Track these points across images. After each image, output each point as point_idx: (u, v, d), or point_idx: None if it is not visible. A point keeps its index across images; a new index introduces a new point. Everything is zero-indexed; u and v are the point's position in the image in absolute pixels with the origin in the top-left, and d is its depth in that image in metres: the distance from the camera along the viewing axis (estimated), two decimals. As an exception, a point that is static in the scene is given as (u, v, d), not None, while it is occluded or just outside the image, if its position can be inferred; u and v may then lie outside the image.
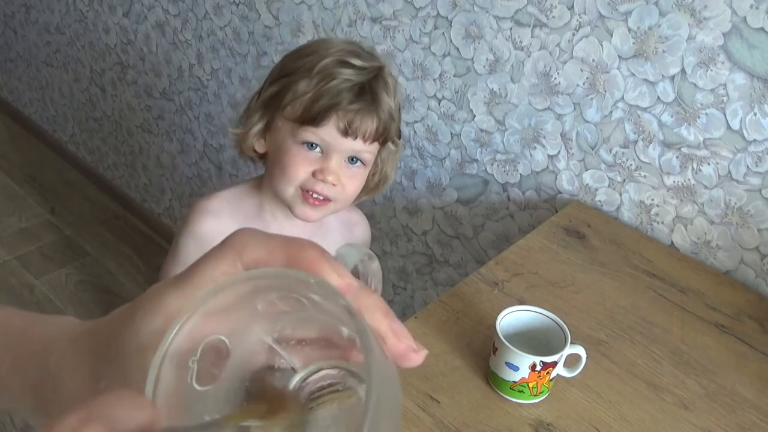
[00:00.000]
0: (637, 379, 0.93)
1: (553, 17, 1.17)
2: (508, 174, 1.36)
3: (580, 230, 1.18)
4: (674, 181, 1.16)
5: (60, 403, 0.32)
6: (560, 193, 1.31)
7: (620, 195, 1.23)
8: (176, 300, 0.29)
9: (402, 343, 0.28)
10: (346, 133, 0.94)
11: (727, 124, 1.06)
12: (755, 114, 1.03)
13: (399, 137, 1.04)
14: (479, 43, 1.28)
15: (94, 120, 2.50)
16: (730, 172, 1.09)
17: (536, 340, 0.90)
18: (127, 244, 2.42)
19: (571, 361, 0.90)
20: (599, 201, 1.26)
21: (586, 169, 1.25)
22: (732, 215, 1.12)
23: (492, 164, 1.38)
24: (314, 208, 0.99)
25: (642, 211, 1.22)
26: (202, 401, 0.28)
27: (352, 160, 0.98)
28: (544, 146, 1.29)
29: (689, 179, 1.14)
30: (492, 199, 1.40)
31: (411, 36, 1.38)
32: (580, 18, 1.14)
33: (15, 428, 1.84)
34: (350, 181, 0.99)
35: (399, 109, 1.01)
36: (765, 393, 0.93)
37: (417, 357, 0.28)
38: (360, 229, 1.17)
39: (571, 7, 1.14)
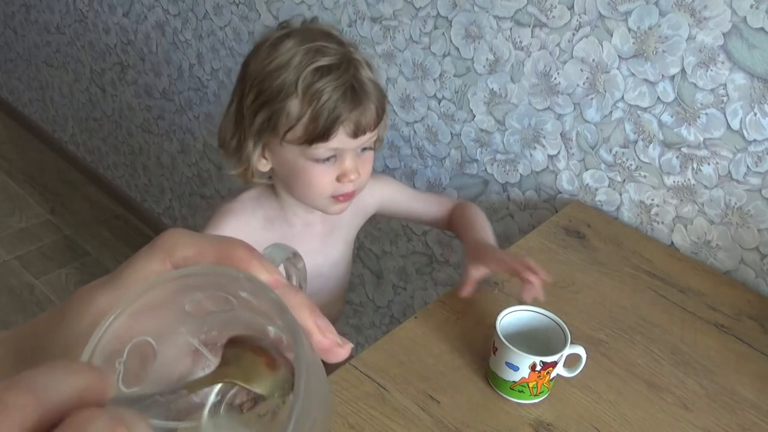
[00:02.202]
0: (637, 379, 0.93)
1: (553, 17, 1.17)
2: (508, 174, 1.36)
3: (580, 230, 1.18)
4: (674, 181, 1.16)
5: None
6: (560, 193, 1.31)
7: (620, 195, 1.23)
8: (105, 300, 0.29)
9: (327, 339, 0.28)
10: (355, 135, 0.96)
11: (727, 124, 1.06)
12: (755, 114, 1.03)
13: (385, 97, 1.04)
14: (479, 43, 1.28)
15: (94, 120, 2.50)
16: (730, 172, 1.09)
17: (536, 340, 0.90)
18: (127, 244, 2.42)
19: (571, 361, 0.90)
20: (599, 201, 1.26)
21: (586, 169, 1.25)
22: (732, 215, 1.12)
23: (492, 164, 1.38)
24: (344, 203, 1.03)
25: (642, 211, 1.22)
26: (128, 404, 0.28)
27: (362, 149, 1.01)
28: (544, 146, 1.29)
29: (689, 179, 1.14)
30: (492, 199, 1.40)
31: (411, 36, 1.38)
32: (580, 18, 1.14)
33: None
34: (365, 166, 1.02)
35: (376, 73, 1.03)
36: (765, 393, 0.93)
37: (342, 351, 0.29)
38: (364, 194, 1.12)
39: (571, 7, 1.14)
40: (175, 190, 2.30)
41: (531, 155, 1.31)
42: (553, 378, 0.88)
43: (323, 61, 0.94)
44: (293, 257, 0.33)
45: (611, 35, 1.12)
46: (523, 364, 0.85)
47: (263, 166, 1.03)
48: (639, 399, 0.90)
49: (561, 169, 1.28)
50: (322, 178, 0.99)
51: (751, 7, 0.97)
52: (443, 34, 1.33)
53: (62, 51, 2.45)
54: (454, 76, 1.35)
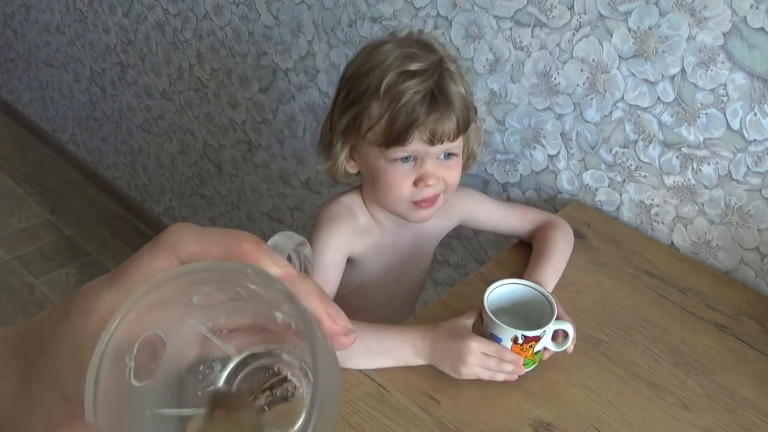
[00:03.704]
0: (637, 379, 0.93)
1: (553, 17, 1.17)
2: (508, 174, 1.36)
3: (580, 230, 1.18)
4: (674, 181, 1.16)
5: None
6: (560, 193, 1.31)
7: (620, 195, 1.23)
8: (111, 298, 0.28)
9: (338, 325, 0.29)
10: (431, 142, 0.96)
11: (727, 124, 1.06)
12: (755, 114, 1.03)
13: (475, 112, 1.04)
14: (479, 43, 1.29)
15: (94, 120, 2.50)
16: (730, 172, 1.09)
17: (527, 314, 0.91)
18: (127, 244, 2.42)
19: (560, 337, 0.91)
20: (599, 201, 1.26)
21: (586, 169, 1.25)
22: (732, 215, 1.12)
23: (492, 164, 1.38)
24: (427, 209, 1.02)
25: (642, 211, 1.22)
26: (140, 397, 0.29)
27: (446, 155, 1.00)
28: (544, 146, 1.29)
29: (689, 179, 1.14)
30: (493, 198, 1.40)
31: (411, 36, 1.38)
32: (580, 18, 1.14)
33: None
34: (450, 173, 1.01)
35: (468, 89, 1.01)
36: (765, 393, 0.93)
37: (347, 340, 0.29)
38: (453, 200, 1.10)
39: (571, 7, 1.14)
40: (175, 190, 2.30)
41: (531, 155, 1.31)
42: (538, 351, 0.89)
43: (411, 67, 0.94)
44: (300, 246, 0.33)
45: (611, 35, 1.12)
46: (506, 337, 0.87)
47: (352, 167, 1.03)
48: (639, 399, 0.90)
49: (561, 169, 1.28)
50: (401, 182, 0.98)
51: (751, 7, 0.97)
52: (443, 34, 1.33)
53: (62, 51, 2.45)
54: (454, 76, 1.35)
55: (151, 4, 1.95)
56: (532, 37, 1.21)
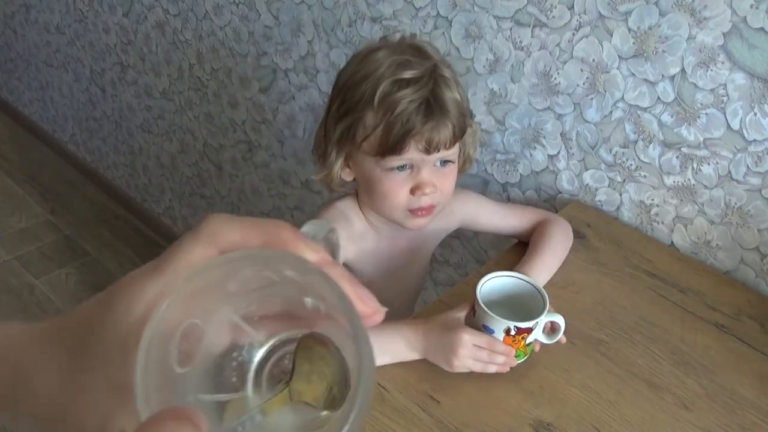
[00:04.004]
0: (637, 379, 0.93)
1: (553, 17, 1.17)
2: (508, 174, 1.36)
3: (580, 230, 1.18)
4: (674, 181, 1.16)
5: (29, 402, 0.32)
6: (560, 193, 1.31)
7: (620, 195, 1.23)
8: (154, 287, 0.29)
9: (369, 307, 0.30)
10: (427, 151, 0.95)
11: (727, 124, 1.06)
12: (755, 114, 1.03)
13: (472, 117, 1.04)
14: (479, 43, 1.29)
15: (94, 120, 2.50)
16: (730, 172, 1.09)
17: (519, 307, 0.91)
18: (127, 244, 2.42)
19: (552, 329, 0.92)
20: (599, 201, 1.26)
21: (586, 169, 1.25)
22: (732, 215, 1.12)
23: (492, 164, 1.38)
24: (423, 218, 1.01)
25: (642, 211, 1.22)
26: (183, 383, 0.30)
27: (442, 162, 1.00)
28: (544, 146, 1.29)
29: (689, 179, 1.14)
30: (492, 200, 1.40)
31: (411, 36, 1.38)
32: (580, 18, 1.14)
33: (15, 428, 1.83)
34: (445, 181, 1.01)
35: (464, 94, 1.01)
36: (765, 393, 0.93)
37: (378, 317, 0.30)
38: (447, 210, 1.10)
39: (571, 7, 1.14)
40: (175, 190, 2.30)
41: (531, 155, 1.31)
42: (530, 343, 0.90)
43: (405, 74, 0.93)
44: (330, 233, 0.35)
45: (611, 35, 1.12)
46: (498, 328, 0.88)
47: (347, 175, 1.03)
48: (639, 399, 0.90)
49: (561, 169, 1.28)
50: (397, 190, 0.98)
51: (751, 7, 0.97)
52: (443, 34, 1.33)
53: (62, 51, 2.45)
54: (454, 76, 1.35)
55: (151, 4, 1.95)
56: (532, 37, 1.21)
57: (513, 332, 0.88)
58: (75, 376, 0.31)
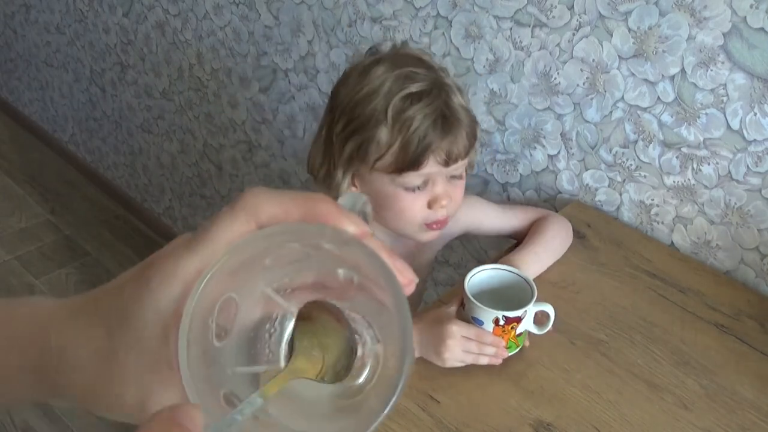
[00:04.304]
0: (637, 379, 0.93)
1: (553, 17, 1.17)
2: (508, 174, 1.36)
3: (580, 230, 1.18)
4: (674, 181, 1.16)
5: (69, 378, 0.32)
6: (560, 193, 1.31)
7: (620, 195, 1.23)
8: (192, 263, 0.29)
9: (405, 278, 0.30)
10: (447, 163, 0.95)
11: (727, 124, 1.06)
12: (755, 114, 1.03)
13: (476, 122, 1.03)
14: (479, 43, 1.29)
15: (94, 120, 2.50)
16: (730, 172, 1.09)
17: (509, 299, 0.92)
18: (127, 244, 2.42)
19: (542, 318, 0.93)
20: (599, 201, 1.26)
21: (586, 169, 1.25)
22: (732, 215, 1.12)
23: (492, 164, 1.38)
24: (437, 230, 1.01)
25: (642, 211, 1.22)
26: (221, 356, 0.30)
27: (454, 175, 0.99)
28: (544, 146, 1.29)
29: (689, 179, 1.14)
30: (492, 199, 1.40)
31: (411, 36, 1.38)
32: (580, 18, 1.14)
33: (15, 428, 1.84)
34: (457, 191, 1.00)
35: (467, 100, 1.00)
36: (765, 393, 0.93)
37: (412, 287, 0.30)
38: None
39: (571, 7, 1.14)
40: (175, 190, 2.30)
41: (531, 155, 1.31)
42: (520, 334, 0.91)
43: (413, 88, 0.92)
44: (364, 204, 0.35)
45: (611, 35, 1.12)
46: (487, 319, 0.89)
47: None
48: (639, 399, 0.90)
49: (561, 169, 1.28)
50: (413, 205, 0.97)
51: (751, 7, 0.97)
52: (443, 34, 1.33)
53: (62, 51, 2.45)
54: (454, 76, 1.35)
55: (151, 4, 1.95)
56: (532, 37, 1.21)
57: (502, 322, 0.88)
58: (113, 354, 0.31)
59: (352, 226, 0.30)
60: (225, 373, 0.30)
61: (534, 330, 0.93)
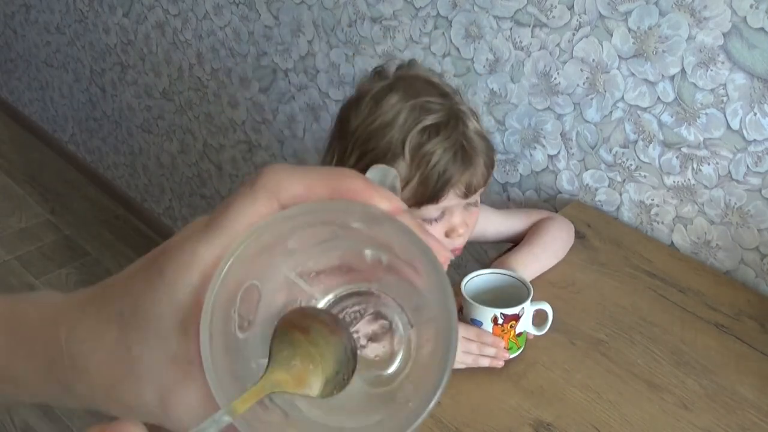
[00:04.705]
0: (637, 379, 0.93)
1: (553, 17, 1.17)
2: (508, 174, 1.36)
3: (580, 230, 1.18)
4: (674, 181, 1.16)
5: (82, 378, 0.30)
6: (560, 193, 1.31)
7: (620, 195, 1.23)
8: (211, 250, 0.27)
9: (442, 257, 0.28)
10: (466, 195, 0.94)
11: (727, 124, 1.06)
12: (755, 114, 1.03)
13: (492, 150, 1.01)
14: (479, 43, 1.29)
15: (94, 120, 2.50)
16: (730, 172, 1.09)
17: (507, 303, 0.92)
18: (127, 244, 2.42)
19: (540, 319, 0.93)
20: (599, 201, 1.26)
21: (586, 169, 1.25)
22: (732, 215, 1.12)
23: (492, 164, 1.38)
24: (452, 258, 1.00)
25: (642, 211, 1.22)
26: (245, 349, 0.28)
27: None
28: (544, 146, 1.29)
29: (689, 179, 1.14)
30: (492, 199, 1.40)
31: (411, 36, 1.38)
32: (580, 18, 1.14)
33: (15, 428, 1.84)
34: (473, 218, 0.99)
35: (480, 120, 0.98)
36: (765, 393, 0.93)
37: (447, 261, 0.28)
38: None
39: (571, 7, 1.14)
40: (175, 190, 2.30)
41: (531, 155, 1.31)
42: (520, 334, 0.91)
43: (430, 120, 0.90)
44: (394, 178, 0.33)
45: (611, 35, 1.12)
46: (486, 318, 0.89)
47: None
48: (639, 399, 0.90)
49: (561, 169, 1.28)
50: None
51: (751, 7, 0.97)
52: (443, 34, 1.33)
53: (62, 51, 2.45)
54: (454, 76, 1.35)
55: (151, 4, 1.95)
56: (532, 37, 1.21)
57: (501, 321, 0.89)
58: (129, 350, 0.28)
59: (384, 202, 0.27)
60: (250, 366, 0.28)
61: (534, 331, 0.93)
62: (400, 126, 0.90)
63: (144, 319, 0.28)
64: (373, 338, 0.31)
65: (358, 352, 0.29)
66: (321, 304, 0.30)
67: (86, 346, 0.29)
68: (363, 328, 0.31)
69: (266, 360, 0.27)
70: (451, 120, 0.92)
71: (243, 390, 0.26)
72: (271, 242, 0.27)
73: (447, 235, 0.96)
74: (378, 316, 0.31)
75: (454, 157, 0.90)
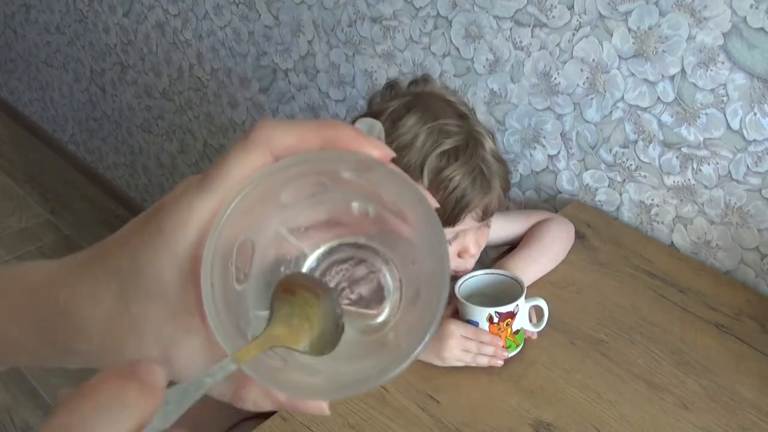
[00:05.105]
0: (637, 379, 0.93)
1: (553, 17, 1.17)
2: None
3: (580, 230, 1.18)
4: (674, 181, 1.16)
5: (83, 337, 0.30)
6: (560, 193, 1.31)
7: (620, 195, 1.23)
8: (207, 204, 0.27)
9: (430, 202, 0.29)
10: (482, 219, 0.94)
11: (727, 124, 1.06)
12: (755, 114, 1.03)
13: (508, 172, 1.01)
14: (479, 43, 1.29)
15: (94, 120, 2.50)
16: (730, 172, 1.09)
17: (502, 301, 0.92)
18: (127, 244, 2.42)
19: (537, 316, 0.94)
20: (599, 201, 1.26)
21: (586, 169, 1.25)
22: (732, 215, 1.12)
23: (492, 164, 1.38)
24: (460, 276, 0.99)
25: (642, 211, 1.22)
26: (242, 300, 0.29)
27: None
28: (544, 146, 1.29)
29: (689, 179, 1.14)
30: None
31: (411, 36, 1.38)
32: (580, 18, 1.14)
33: (15, 428, 1.84)
34: (484, 237, 0.99)
35: (495, 139, 0.97)
36: (765, 393, 0.93)
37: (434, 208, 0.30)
38: None
39: (571, 7, 1.14)
40: (175, 190, 2.30)
41: (531, 155, 1.31)
42: (517, 331, 0.91)
43: (448, 144, 0.90)
44: (380, 131, 0.34)
45: (611, 35, 1.12)
46: (481, 318, 0.89)
47: None
48: (639, 399, 0.90)
49: (561, 169, 1.28)
50: None
51: (751, 7, 0.97)
52: (443, 34, 1.33)
53: (62, 51, 2.45)
54: (454, 76, 1.35)
55: (151, 4, 1.95)
56: (532, 37, 1.21)
57: (496, 319, 0.89)
58: (129, 307, 0.29)
59: (375, 150, 0.28)
60: (248, 317, 0.29)
61: (531, 328, 0.93)
62: (419, 149, 0.90)
63: (143, 275, 0.28)
64: (362, 289, 0.32)
65: (347, 301, 0.31)
66: (311, 258, 0.32)
67: (86, 305, 0.30)
68: (352, 280, 0.32)
69: (262, 312, 0.29)
70: (470, 143, 0.91)
71: (244, 338, 0.28)
72: (264, 195, 0.28)
73: (459, 255, 0.96)
74: (366, 267, 0.32)
75: (473, 183, 0.90)
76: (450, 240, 0.95)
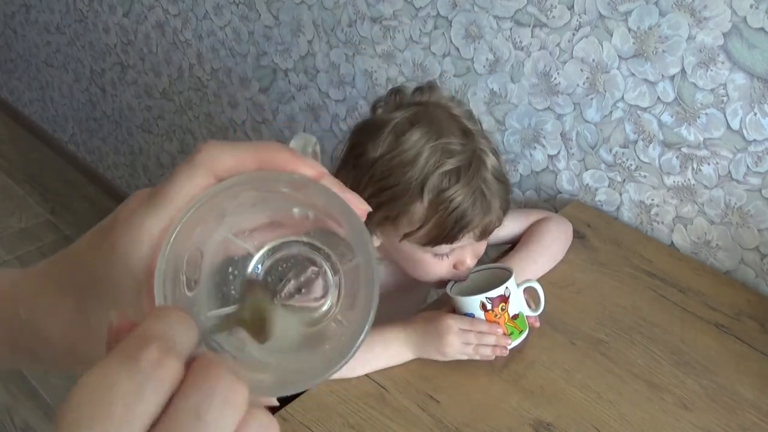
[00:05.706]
0: (637, 379, 0.93)
1: (553, 17, 1.17)
2: (508, 174, 1.36)
3: (580, 230, 1.18)
4: (674, 181, 1.16)
5: (47, 346, 0.33)
6: (560, 193, 1.31)
7: (620, 195, 1.23)
8: (157, 222, 0.30)
9: (359, 209, 0.31)
10: (481, 238, 0.93)
11: (727, 124, 1.06)
12: (755, 114, 1.03)
13: (509, 191, 1.00)
14: (479, 43, 1.29)
15: (94, 120, 2.50)
16: (730, 172, 1.09)
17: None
18: (127, 244, 2.42)
19: (534, 299, 0.93)
20: (599, 201, 1.26)
21: (586, 169, 1.25)
22: (732, 215, 1.12)
23: (492, 164, 1.38)
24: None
25: (642, 211, 1.22)
26: (195, 305, 0.32)
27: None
28: (544, 146, 1.29)
29: (689, 179, 1.14)
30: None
31: (411, 36, 1.38)
32: (580, 18, 1.14)
33: (15, 428, 1.84)
34: (481, 249, 0.99)
35: (500, 156, 0.97)
36: (765, 393, 0.93)
37: (365, 214, 0.32)
38: None
39: (571, 7, 1.14)
40: (175, 190, 2.30)
41: (531, 155, 1.31)
42: (516, 316, 0.91)
43: (451, 164, 0.89)
44: (315, 145, 0.36)
45: (611, 35, 1.12)
46: (474, 308, 0.89)
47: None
48: (639, 399, 0.90)
49: (561, 169, 1.28)
50: (440, 268, 0.96)
51: (751, 7, 0.97)
52: (443, 34, 1.33)
53: (62, 51, 2.45)
54: (454, 76, 1.35)
55: (151, 4, 1.95)
56: (532, 37, 1.21)
57: (489, 306, 0.89)
58: (89, 321, 0.31)
59: (308, 170, 0.30)
60: (200, 320, 0.31)
61: (529, 312, 0.93)
62: (421, 167, 0.89)
63: (102, 291, 0.31)
64: (304, 283, 0.35)
65: (290, 294, 0.35)
66: (257, 257, 0.35)
67: (47, 318, 0.33)
68: (295, 275, 0.35)
69: (213, 312, 0.32)
70: (473, 163, 0.90)
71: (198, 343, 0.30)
72: (209, 211, 0.31)
73: (455, 266, 0.96)
74: (308, 262, 0.35)
75: (474, 204, 0.89)
76: (447, 254, 0.95)
